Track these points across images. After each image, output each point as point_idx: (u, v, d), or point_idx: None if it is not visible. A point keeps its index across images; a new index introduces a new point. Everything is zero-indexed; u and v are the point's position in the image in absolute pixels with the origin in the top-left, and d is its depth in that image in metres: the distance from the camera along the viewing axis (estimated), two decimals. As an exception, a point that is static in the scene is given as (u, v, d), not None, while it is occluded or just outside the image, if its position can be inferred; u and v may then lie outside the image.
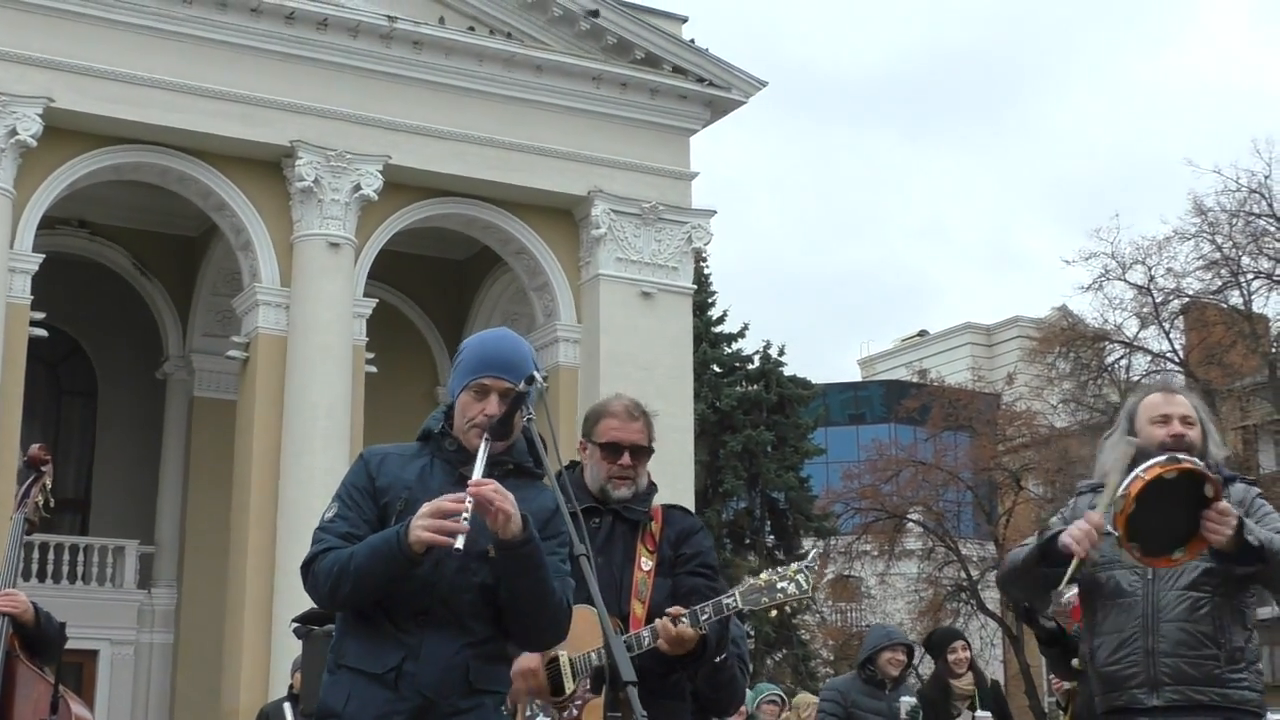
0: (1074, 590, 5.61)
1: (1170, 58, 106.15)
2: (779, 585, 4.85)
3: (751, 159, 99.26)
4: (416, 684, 3.80)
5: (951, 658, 9.36)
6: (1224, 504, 4.54)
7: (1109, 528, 4.62)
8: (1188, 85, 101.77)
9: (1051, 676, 8.33)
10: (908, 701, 8.93)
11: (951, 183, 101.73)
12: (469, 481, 3.73)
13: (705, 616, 4.72)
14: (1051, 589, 4.95)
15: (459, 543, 3.64)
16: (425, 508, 3.72)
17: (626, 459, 4.88)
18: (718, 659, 5.39)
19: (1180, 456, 4.67)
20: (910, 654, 9.38)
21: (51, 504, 5.65)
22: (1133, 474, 4.60)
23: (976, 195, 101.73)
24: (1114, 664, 4.82)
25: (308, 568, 3.93)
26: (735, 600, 4.78)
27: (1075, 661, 5.59)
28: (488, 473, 3.80)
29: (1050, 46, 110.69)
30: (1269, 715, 9.91)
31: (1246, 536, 4.52)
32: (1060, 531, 4.78)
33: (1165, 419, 4.99)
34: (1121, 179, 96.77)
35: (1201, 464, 4.65)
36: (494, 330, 4.26)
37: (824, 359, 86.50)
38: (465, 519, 3.65)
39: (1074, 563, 4.71)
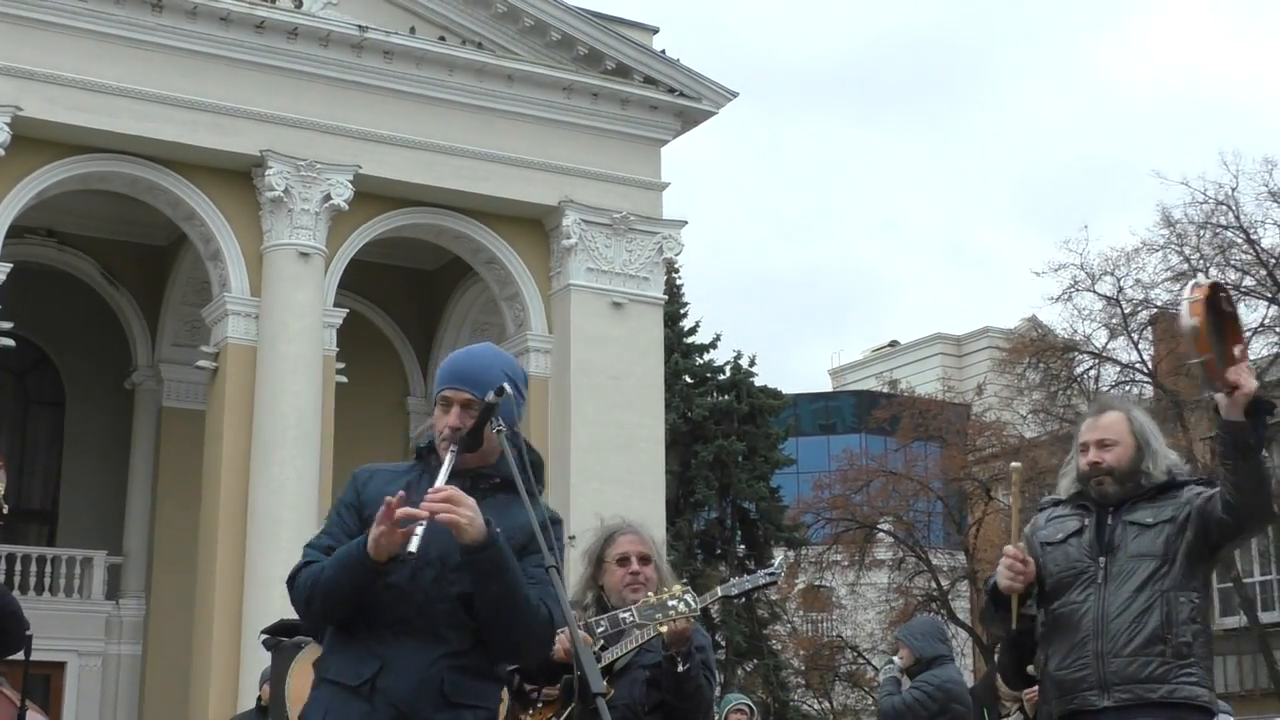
0: None
1: (1130, 46, 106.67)
2: (669, 604, 5.27)
3: (704, 152, 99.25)
4: (389, 696, 3.79)
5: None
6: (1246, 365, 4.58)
7: (1197, 359, 4.57)
8: (1149, 74, 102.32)
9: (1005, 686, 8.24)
10: (888, 669, 9.05)
11: (907, 176, 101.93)
12: (429, 490, 3.79)
13: (601, 629, 5.18)
14: (1008, 630, 5.03)
15: (413, 545, 3.66)
16: (379, 513, 3.74)
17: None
18: (682, 668, 5.43)
19: (1195, 284, 4.61)
20: None
21: (5, 510, 5.58)
22: (1184, 300, 4.57)
23: (933, 189, 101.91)
24: (1065, 669, 4.89)
25: (291, 582, 3.97)
26: (632, 614, 5.24)
27: (1030, 668, 5.59)
28: (467, 485, 3.85)
29: (1006, 37, 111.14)
30: (1226, 718, 9.94)
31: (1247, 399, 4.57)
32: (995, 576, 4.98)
33: (1085, 447, 5.07)
34: (1081, 170, 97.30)
35: (1208, 286, 4.59)
36: (471, 345, 4.31)
37: (785, 359, 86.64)
38: (421, 525, 3.68)
39: (1013, 601, 4.90)
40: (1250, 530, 4.96)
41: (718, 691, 7.48)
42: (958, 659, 35.12)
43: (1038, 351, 33.05)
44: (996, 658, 8.61)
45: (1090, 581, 4.90)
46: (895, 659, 9.17)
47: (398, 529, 3.70)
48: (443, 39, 23.33)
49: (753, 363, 35.61)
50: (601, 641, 5.51)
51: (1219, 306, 4.55)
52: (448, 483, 3.85)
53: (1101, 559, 4.90)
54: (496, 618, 3.77)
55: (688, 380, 34.72)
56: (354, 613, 3.86)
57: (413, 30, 23.09)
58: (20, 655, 5.45)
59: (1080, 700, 4.85)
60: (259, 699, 10.30)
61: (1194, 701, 4.78)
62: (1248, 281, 30.45)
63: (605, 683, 4.61)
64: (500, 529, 3.80)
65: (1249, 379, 4.60)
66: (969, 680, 31.71)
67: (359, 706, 3.81)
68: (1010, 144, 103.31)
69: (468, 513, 3.71)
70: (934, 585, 36.11)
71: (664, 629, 5.21)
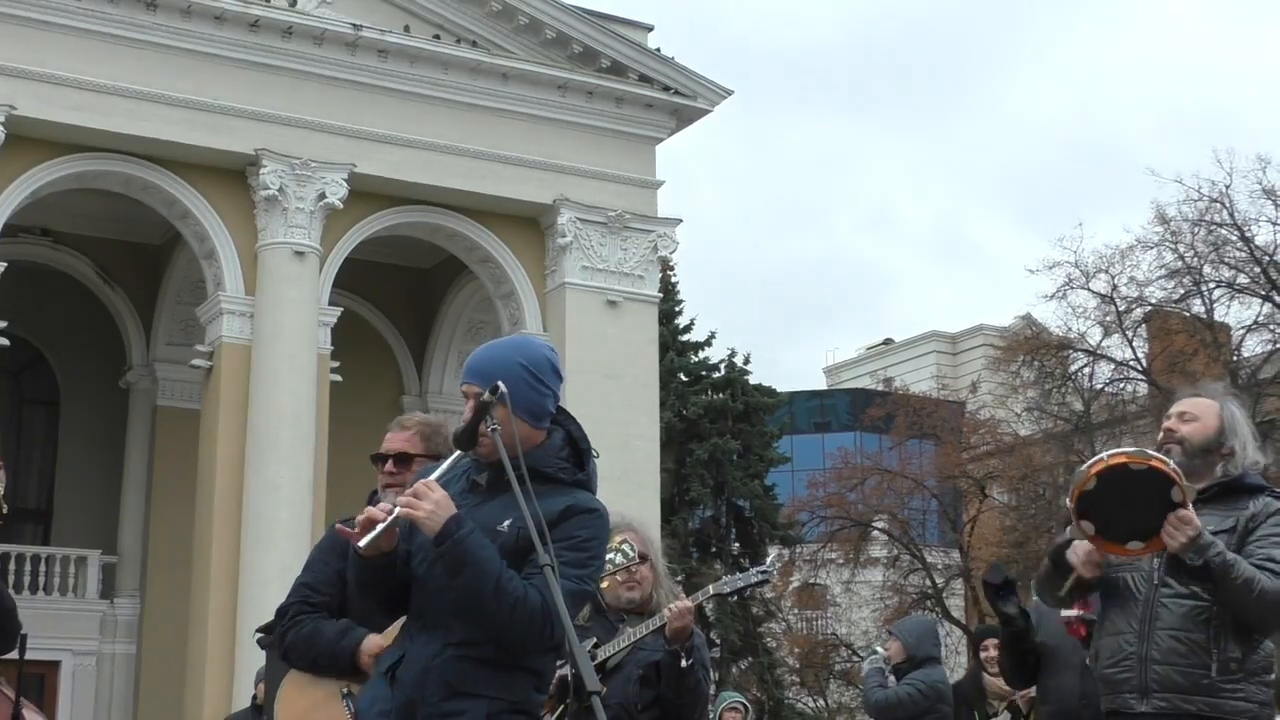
0: (1073, 612, 5.65)
1: (1125, 40, 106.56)
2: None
3: (695, 147, 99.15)
4: (402, 685, 3.90)
5: (984, 655, 9.45)
6: (1186, 513, 4.51)
7: (1066, 501, 4.65)
8: (1143, 68, 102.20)
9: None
10: (872, 659, 9.24)
11: (900, 171, 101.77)
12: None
13: None
14: (1055, 594, 4.99)
15: (363, 542, 3.81)
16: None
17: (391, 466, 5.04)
18: (685, 663, 5.45)
19: (1151, 452, 4.62)
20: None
21: (5, 510, 5.59)
22: (1099, 455, 4.62)
23: (926, 183, 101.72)
24: (1110, 667, 4.82)
25: None
26: None
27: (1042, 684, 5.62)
28: (490, 478, 3.96)
29: (997, 29, 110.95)
30: None
31: (1188, 557, 4.50)
32: (1071, 541, 4.85)
33: (1166, 418, 4.99)
34: (1075, 164, 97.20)
35: (1173, 465, 4.58)
36: (502, 338, 4.40)
37: (780, 356, 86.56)
38: (376, 530, 3.81)
39: (1071, 577, 4.79)
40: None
41: (713, 690, 7.52)
42: (952, 657, 35.26)
43: (1032, 349, 33.09)
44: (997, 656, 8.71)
45: (1145, 579, 4.79)
46: (879, 649, 9.27)
47: (362, 526, 3.85)
48: (437, 37, 23.31)
49: (747, 361, 35.66)
50: (595, 639, 5.54)
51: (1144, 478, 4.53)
52: (444, 478, 3.94)
53: (1157, 560, 4.77)
54: (470, 609, 3.80)
55: (683, 378, 34.74)
56: (390, 603, 4.02)
57: (407, 29, 23.07)
58: (15, 654, 5.45)
59: (1120, 701, 4.79)
60: (254, 697, 10.31)
61: (1240, 718, 4.65)
62: (1241, 279, 30.50)
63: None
64: (513, 516, 3.83)
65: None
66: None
67: (385, 691, 3.96)
68: (1002, 138, 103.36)
69: (427, 506, 3.79)
70: (929, 583, 36.13)
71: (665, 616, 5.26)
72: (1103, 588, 4.93)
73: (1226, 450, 4.85)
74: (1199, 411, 4.92)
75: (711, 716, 10.86)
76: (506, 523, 3.88)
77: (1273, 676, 4.82)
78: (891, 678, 9.08)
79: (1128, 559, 4.73)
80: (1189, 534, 4.49)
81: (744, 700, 12.64)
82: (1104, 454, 4.61)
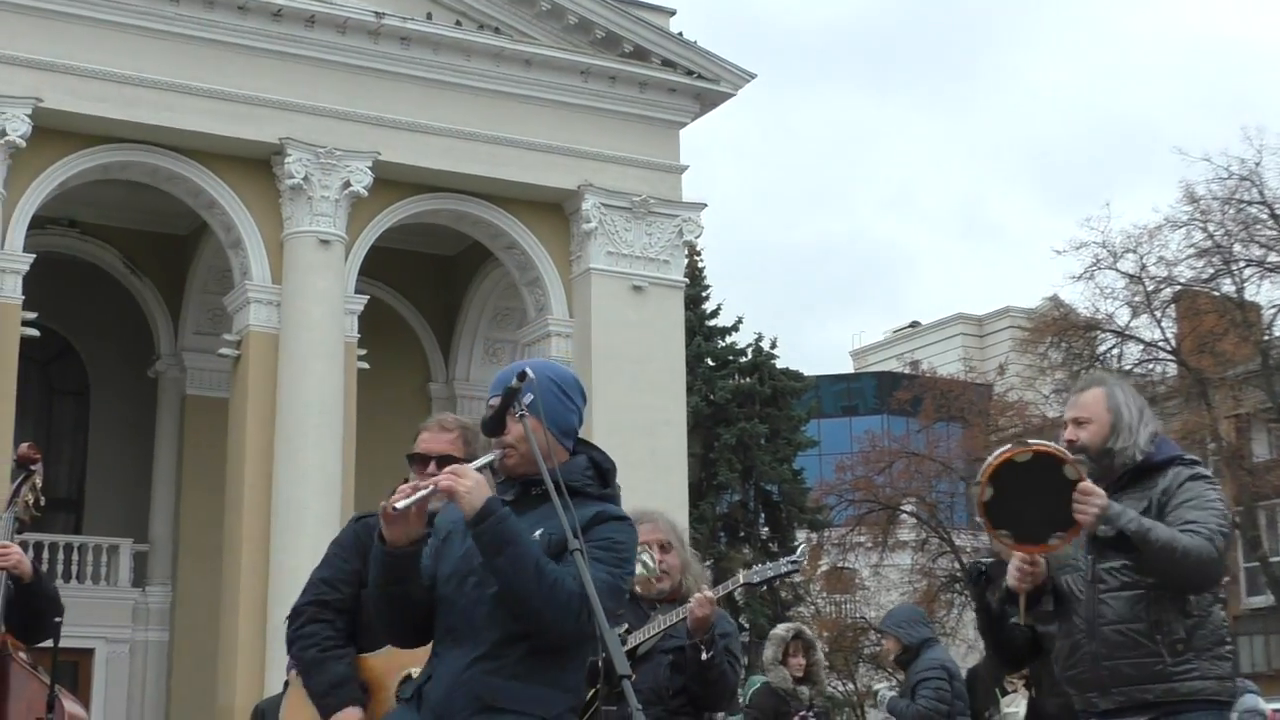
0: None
1: (1151, 14, 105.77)
2: None
3: (717, 128, 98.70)
4: (429, 703, 3.85)
5: None
6: (1087, 484, 4.52)
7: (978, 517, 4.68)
8: (1170, 42, 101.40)
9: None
10: (884, 693, 9.37)
11: (921, 148, 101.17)
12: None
13: None
14: (1008, 621, 5.00)
15: (400, 502, 3.80)
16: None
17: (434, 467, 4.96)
18: (705, 656, 5.45)
19: (1033, 441, 4.65)
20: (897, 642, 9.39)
21: (42, 502, 5.65)
22: (986, 460, 4.63)
23: (948, 160, 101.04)
24: (1070, 670, 4.86)
25: None
26: None
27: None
28: (518, 491, 3.96)
29: (1020, 4, 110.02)
30: (1253, 699, 9.88)
31: (1105, 524, 4.50)
32: (989, 564, 4.94)
33: (1065, 425, 5.02)
34: (1101, 140, 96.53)
35: (1057, 446, 4.62)
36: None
37: (805, 339, 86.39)
38: (416, 496, 3.81)
39: (1021, 599, 4.79)
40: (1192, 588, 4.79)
41: (743, 675, 7.53)
42: (980, 639, 35.20)
43: (1060, 331, 32.95)
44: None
45: (1085, 579, 4.81)
46: (881, 687, 9.41)
47: (408, 516, 3.84)
48: (459, 24, 23.31)
49: (774, 345, 35.65)
50: (625, 625, 5.55)
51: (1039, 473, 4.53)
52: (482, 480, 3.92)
53: (1089, 556, 4.79)
54: (509, 589, 3.75)
55: (710, 363, 34.75)
56: (406, 618, 3.95)
57: (429, 16, 23.08)
58: (49, 641, 5.50)
59: (1083, 701, 4.82)
60: (285, 684, 10.34)
61: (1197, 696, 4.66)
62: (1272, 258, 30.33)
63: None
64: (544, 528, 3.84)
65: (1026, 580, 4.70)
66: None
67: (409, 716, 3.90)
68: (1026, 116, 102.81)
69: (467, 484, 3.79)
70: (957, 566, 36.06)
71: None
72: (1055, 593, 4.94)
73: (1126, 440, 4.87)
74: (1089, 411, 4.94)
75: (742, 700, 10.86)
76: (537, 533, 3.85)
77: (1229, 648, 4.80)
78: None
79: (1057, 554, 4.73)
80: (1097, 503, 4.50)
81: (774, 684, 12.62)
82: (989, 458, 4.63)
